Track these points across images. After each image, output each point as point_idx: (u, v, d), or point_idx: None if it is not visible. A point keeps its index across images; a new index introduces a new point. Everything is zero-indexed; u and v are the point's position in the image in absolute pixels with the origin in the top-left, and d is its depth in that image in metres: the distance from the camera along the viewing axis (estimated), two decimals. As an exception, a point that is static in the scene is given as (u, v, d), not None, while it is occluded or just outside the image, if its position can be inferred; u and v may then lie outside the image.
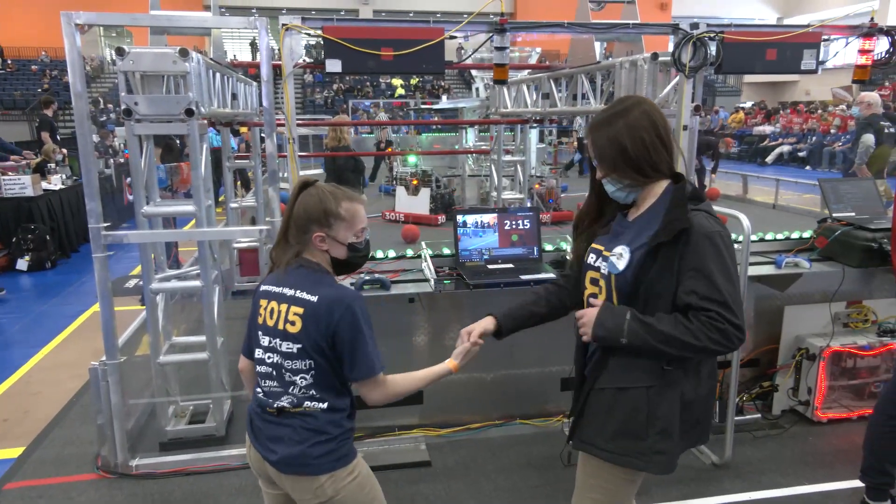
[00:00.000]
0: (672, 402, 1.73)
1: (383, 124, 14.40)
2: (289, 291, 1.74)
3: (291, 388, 1.75)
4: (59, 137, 10.23)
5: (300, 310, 1.70)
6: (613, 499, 1.85)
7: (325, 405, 1.74)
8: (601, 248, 1.83)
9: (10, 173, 7.54)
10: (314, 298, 1.70)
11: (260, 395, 1.81)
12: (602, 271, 1.78)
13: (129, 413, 3.29)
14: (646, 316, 1.67)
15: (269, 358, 1.77)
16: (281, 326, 1.74)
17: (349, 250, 1.80)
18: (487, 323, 1.95)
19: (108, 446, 3.17)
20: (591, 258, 1.85)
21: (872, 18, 3.53)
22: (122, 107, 2.93)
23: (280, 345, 1.74)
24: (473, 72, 13.64)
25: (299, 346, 1.71)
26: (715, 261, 1.62)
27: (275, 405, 1.76)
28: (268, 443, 1.77)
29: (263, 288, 1.82)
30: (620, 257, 1.74)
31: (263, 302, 1.79)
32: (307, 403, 1.74)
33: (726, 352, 1.66)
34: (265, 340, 1.78)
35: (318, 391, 1.74)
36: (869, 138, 7.15)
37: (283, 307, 1.74)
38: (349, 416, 1.81)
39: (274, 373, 1.76)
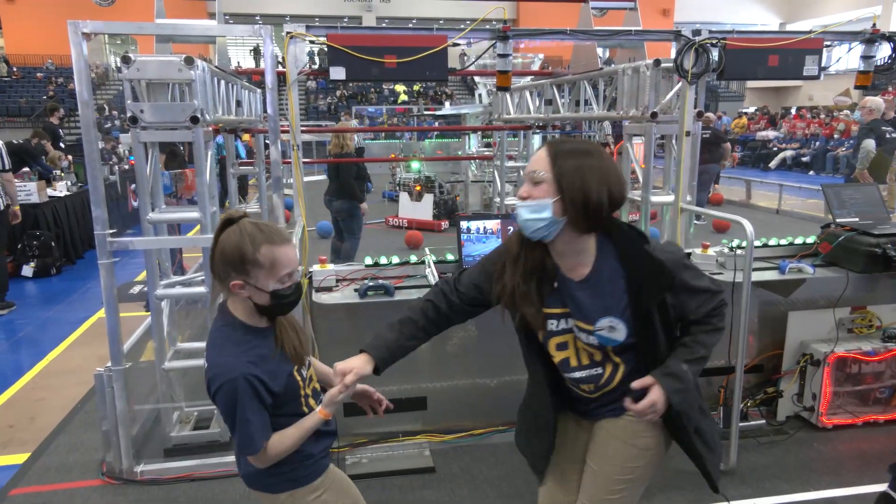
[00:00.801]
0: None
1: (380, 131, 14.39)
2: (207, 341, 1.72)
3: None
4: (62, 145, 10.28)
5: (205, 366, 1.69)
6: (643, 484, 1.90)
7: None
8: (563, 312, 1.73)
9: (16, 180, 7.57)
10: (205, 365, 1.67)
11: None
12: (589, 342, 1.73)
13: (133, 419, 3.30)
14: (684, 349, 1.75)
15: None
16: None
17: (272, 298, 1.64)
18: (364, 365, 1.74)
19: (113, 452, 3.18)
20: (552, 324, 1.75)
21: (874, 24, 3.54)
22: (128, 114, 2.96)
23: None
24: (476, 78, 13.67)
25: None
26: (694, 275, 1.74)
27: None
28: (238, 457, 1.80)
29: None
30: (613, 330, 1.68)
31: None
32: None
33: None
34: None
35: None
36: (870, 143, 7.15)
37: None
38: (309, 442, 1.75)
39: None
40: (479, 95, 12.01)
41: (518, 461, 3.39)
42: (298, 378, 1.75)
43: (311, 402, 1.80)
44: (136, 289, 4.69)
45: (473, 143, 11.22)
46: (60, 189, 8.25)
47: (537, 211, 1.59)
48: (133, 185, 9.44)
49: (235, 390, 1.59)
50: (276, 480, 1.76)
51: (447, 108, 16.22)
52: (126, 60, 2.92)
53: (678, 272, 1.69)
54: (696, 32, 3.25)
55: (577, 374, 1.80)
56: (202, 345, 3.45)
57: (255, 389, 1.61)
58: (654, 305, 1.67)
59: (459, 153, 11.47)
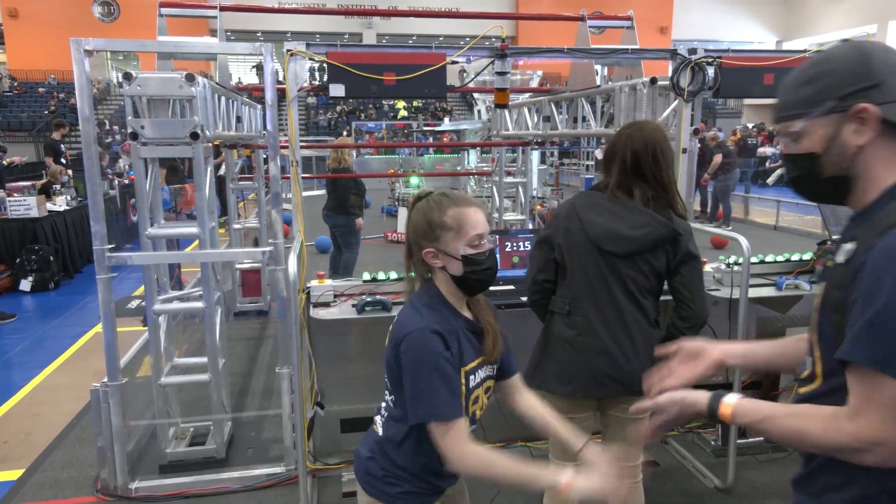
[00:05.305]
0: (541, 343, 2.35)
1: (379, 146, 14.46)
2: (404, 308, 1.65)
3: (383, 401, 1.70)
4: (63, 161, 10.31)
5: (391, 329, 1.62)
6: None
7: (382, 432, 1.65)
8: None
9: (15, 194, 7.60)
10: (395, 320, 1.61)
11: None
12: None
13: (129, 435, 3.28)
14: None
15: None
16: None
17: (465, 264, 1.54)
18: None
19: (108, 468, 3.16)
20: None
21: (869, 43, 3.58)
22: (129, 130, 2.98)
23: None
24: (475, 94, 13.77)
25: (386, 361, 1.63)
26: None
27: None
28: (364, 446, 1.73)
29: None
30: None
31: None
32: (376, 418, 1.69)
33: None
34: None
35: (388, 414, 1.65)
36: None
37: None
38: (408, 464, 1.61)
39: None
40: (478, 111, 12.09)
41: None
42: (472, 377, 1.62)
43: (472, 407, 1.64)
44: (134, 303, 4.67)
45: (472, 159, 11.28)
46: (60, 203, 8.26)
47: None
48: (132, 200, 9.46)
49: (419, 344, 1.49)
50: (397, 491, 1.61)
51: (446, 124, 16.31)
52: (128, 77, 2.94)
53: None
54: (692, 51, 3.29)
55: None
56: (199, 360, 3.45)
57: (445, 345, 1.51)
58: None
59: (458, 169, 11.51)
